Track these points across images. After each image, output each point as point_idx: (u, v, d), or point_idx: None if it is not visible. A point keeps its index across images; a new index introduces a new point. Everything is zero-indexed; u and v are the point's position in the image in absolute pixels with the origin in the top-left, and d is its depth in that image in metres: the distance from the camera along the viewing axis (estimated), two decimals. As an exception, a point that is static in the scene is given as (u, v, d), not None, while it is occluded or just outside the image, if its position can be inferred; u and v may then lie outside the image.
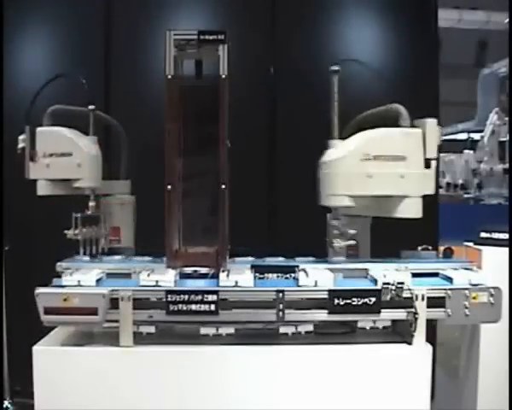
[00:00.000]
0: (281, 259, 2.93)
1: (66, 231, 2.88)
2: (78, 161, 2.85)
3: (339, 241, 2.78)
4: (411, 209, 2.67)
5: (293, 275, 2.70)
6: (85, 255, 2.93)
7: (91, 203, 2.97)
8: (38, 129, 2.91)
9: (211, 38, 2.63)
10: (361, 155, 2.62)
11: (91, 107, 3.00)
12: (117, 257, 3.00)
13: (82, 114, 3.02)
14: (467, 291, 2.54)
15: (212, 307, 2.45)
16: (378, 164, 2.61)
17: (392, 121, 2.71)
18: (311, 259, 2.93)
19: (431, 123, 2.67)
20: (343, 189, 2.66)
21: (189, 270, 2.71)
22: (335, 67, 2.77)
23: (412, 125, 2.70)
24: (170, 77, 2.64)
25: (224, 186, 2.64)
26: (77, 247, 2.92)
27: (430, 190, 2.68)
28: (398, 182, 2.61)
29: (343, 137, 2.79)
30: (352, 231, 2.78)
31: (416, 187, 2.65)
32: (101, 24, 4.12)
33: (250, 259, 2.92)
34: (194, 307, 2.45)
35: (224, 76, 2.62)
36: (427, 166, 2.66)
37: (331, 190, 2.69)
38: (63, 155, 2.85)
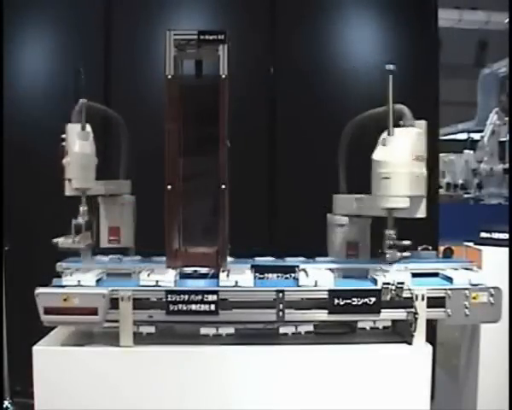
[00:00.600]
0: (301, 259, 2.89)
1: (58, 240, 2.70)
2: (68, 159, 2.73)
3: (394, 252, 2.61)
4: (423, 209, 2.67)
5: (293, 275, 2.70)
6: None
7: (82, 208, 2.77)
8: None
9: (211, 38, 2.63)
10: (413, 155, 2.54)
11: (83, 100, 2.83)
12: (137, 257, 2.99)
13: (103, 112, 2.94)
14: (467, 291, 2.54)
15: (212, 307, 2.45)
16: (419, 164, 2.55)
17: (394, 121, 2.70)
18: (328, 259, 2.93)
19: (420, 125, 2.65)
20: (405, 190, 2.53)
21: (189, 270, 2.71)
22: (390, 67, 2.62)
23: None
24: (170, 77, 2.64)
25: (223, 186, 2.64)
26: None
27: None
28: (424, 182, 2.58)
29: (344, 136, 2.78)
30: (407, 243, 2.63)
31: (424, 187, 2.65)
32: (101, 24, 4.12)
33: (270, 259, 2.92)
34: (194, 307, 2.45)
35: (224, 76, 2.62)
36: None
37: (391, 192, 2.53)
38: (66, 155, 2.77)
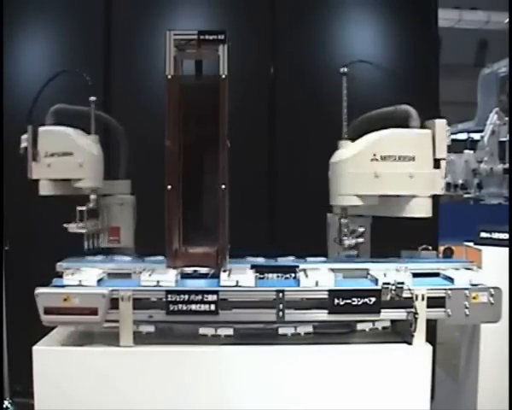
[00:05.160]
0: (301, 259, 2.92)
1: (67, 225, 2.86)
2: (80, 160, 2.83)
3: (350, 239, 2.79)
4: (421, 209, 2.69)
5: (293, 275, 2.70)
6: (90, 249, 2.93)
7: (93, 196, 2.91)
8: (41, 128, 2.90)
9: (211, 38, 2.63)
10: (370, 155, 2.63)
11: (92, 98, 2.94)
12: (136, 258, 3.02)
13: (84, 113, 3.01)
14: (467, 291, 2.54)
15: (212, 307, 2.45)
16: (387, 164, 2.63)
17: (399, 122, 2.72)
18: (327, 259, 2.95)
19: (440, 123, 2.69)
20: (352, 188, 2.68)
21: (189, 270, 2.71)
22: (344, 69, 2.78)
23: (421, 126, 2.71)
24: (170, 77, 2.64)
25: (223, 186, 2.64)
26: (77, 243, 2.91)
27: (438, 191, 2.70)
28: (406, 182, 2.63)
29: (349, 136, 2.78)
30: (361, 229, 2.82)
31: (425, 187, 2.67)
32: (101, 24, 4.12)
33: (269, 259, 2.94)
34: (194, 307, 2.45)
35: (223, 76, 2.62)
36: (437, 166, 2.68)
37: (340, 190, 2.71)
38: (65, 155, 2.83)
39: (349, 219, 2.86)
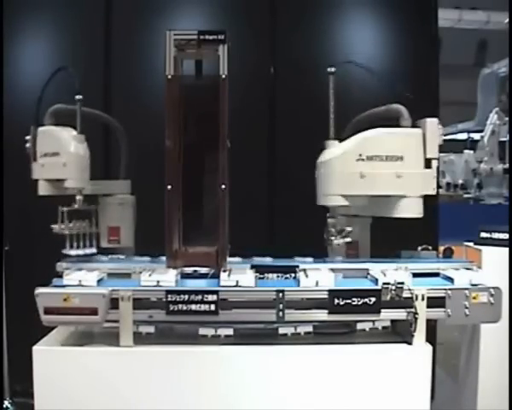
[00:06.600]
0: (301, 259, 2.92)
1: (52, 226, 2.86)
2: (64, 160, 2.81)
3: (337, 238, 2.80)
4: (410, 209, 2.67)
5: (293, 275, 2.71)
6: (72, 249, 2.89)
7: (78, 197, 2.87)
8: (39, 129, 2.90)
9: (211, 38, 2.63)
10: (356, 155, 2.63)
11: (79, 97, 2.87)
12: (137, 257, 3.02)
13: (82, 113, 3.00)
14: (467, 291, 2.54)
15: (212, 307, 2.45)
16: (373, 164, 2.63)
17: (392, 121, 2.71)
18: (327, 259, 2.95)
19: (431, 123, 2.68)
20: (338, 188, 2.68)
21: (189, 270, 2.71)
22: (331, 69, 2.79)
23: (414, 125, 2.71)
24: (170, 77, 2.64)
25: (223, 186, 2.64)
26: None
27: (430, 190, 2.68)
28: (394, 182, 2.62)
29: (344, 137, 2.79)
30: (348, 229, 2.81)
31: (415, 187, 2.66)
32: (101, 24, 4.12)
33: (270, 259, 2.95)
34: (194, 307, 2.45)
35: (223, 76, 2.62)
36: (428, 166, 2.67)
37: (326, 190, 2.72)
38: (54, 155, 2.83)
39: (345, 219, 2.87)
